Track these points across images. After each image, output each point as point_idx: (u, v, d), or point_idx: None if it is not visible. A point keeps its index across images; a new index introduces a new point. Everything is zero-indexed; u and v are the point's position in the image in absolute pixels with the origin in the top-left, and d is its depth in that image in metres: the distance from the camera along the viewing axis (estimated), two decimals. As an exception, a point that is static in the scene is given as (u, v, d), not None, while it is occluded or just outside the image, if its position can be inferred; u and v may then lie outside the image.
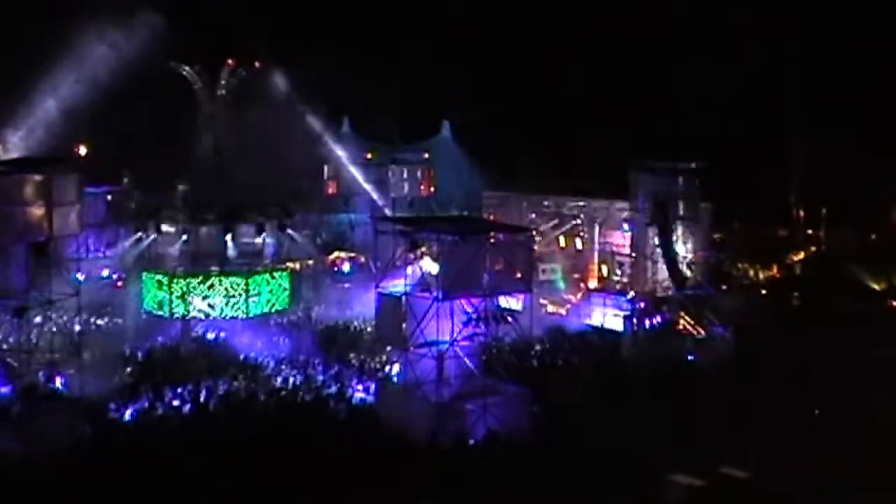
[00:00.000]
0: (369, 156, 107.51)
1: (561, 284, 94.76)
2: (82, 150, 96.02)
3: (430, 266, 62.70)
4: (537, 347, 77.17)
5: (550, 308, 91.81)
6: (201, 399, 66.24)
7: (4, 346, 61.78)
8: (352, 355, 75.60)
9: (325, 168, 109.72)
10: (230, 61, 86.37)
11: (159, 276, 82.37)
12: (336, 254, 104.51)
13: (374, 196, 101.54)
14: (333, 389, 68.80)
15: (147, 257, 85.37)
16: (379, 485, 51.61)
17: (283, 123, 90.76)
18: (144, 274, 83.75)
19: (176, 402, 65.49)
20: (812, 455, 53.66)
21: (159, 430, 61.39)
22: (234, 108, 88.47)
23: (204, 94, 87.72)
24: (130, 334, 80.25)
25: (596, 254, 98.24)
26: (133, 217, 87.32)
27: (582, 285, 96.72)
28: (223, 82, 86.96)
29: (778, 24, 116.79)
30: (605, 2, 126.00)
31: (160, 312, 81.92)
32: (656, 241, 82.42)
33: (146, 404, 64.44)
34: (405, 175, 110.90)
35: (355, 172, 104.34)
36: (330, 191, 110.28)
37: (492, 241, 64.01)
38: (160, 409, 64.30)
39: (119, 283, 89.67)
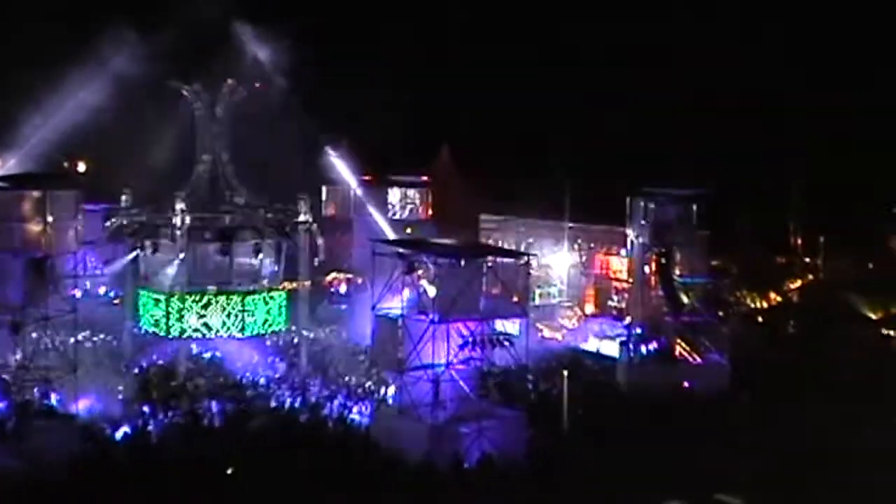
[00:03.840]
0: (368, 177, 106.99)
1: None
2: (81, 167, 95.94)
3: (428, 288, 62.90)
4: (533, 372, 76.89)
5: (546, 333, 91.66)
6: (197, 418, 66.10)
7: (0, 362, 61.52)
8: (347, 377, 75.41)
9: (324, 189, 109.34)
10: (230, 80, 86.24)
11: (156, 295, 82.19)
12: (333, 275, 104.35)
13: (373, 217, 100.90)
14: (329, 410, 68.68)
15: (144, 275, 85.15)
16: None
17: (281, 143, 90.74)
18: (141, 292, 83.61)
19: (171, 421, 65.33)
20: (805, 483, 53.79)
21: (154, 448, 61.26)
22: (233, 127, 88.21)
23: (203, 113, 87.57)
24: (127, 352, 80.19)
25: (593, 279, 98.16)
26: (131, 235, 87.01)
27: (578, 310, 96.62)
28: (222, 101, 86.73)
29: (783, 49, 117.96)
30: (604, 27, 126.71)
31: (157, 331, 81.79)
32: (654, 266, 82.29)
33: (141, 423, 64.26)
34: (404, 197, 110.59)
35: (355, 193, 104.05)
36: (329, 212, 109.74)
37: (489, 265, 64.11)
38: (155, 428, 64.09)
39: (116, 301, 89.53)
